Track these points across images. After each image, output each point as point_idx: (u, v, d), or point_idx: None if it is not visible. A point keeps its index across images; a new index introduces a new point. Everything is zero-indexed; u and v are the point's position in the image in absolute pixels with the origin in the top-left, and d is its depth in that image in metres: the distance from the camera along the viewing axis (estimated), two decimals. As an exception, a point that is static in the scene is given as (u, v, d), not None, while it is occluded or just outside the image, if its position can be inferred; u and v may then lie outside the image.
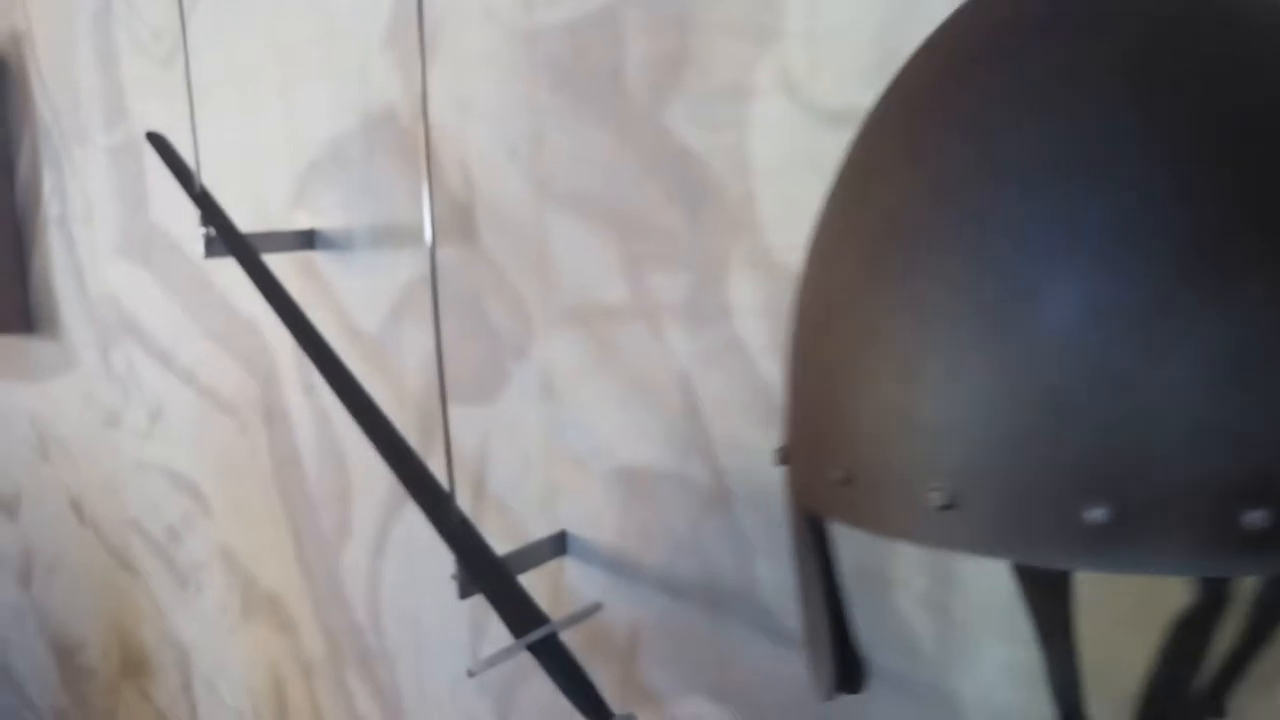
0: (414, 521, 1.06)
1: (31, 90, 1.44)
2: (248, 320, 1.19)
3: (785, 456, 0.43)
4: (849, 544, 0.58)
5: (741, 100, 0.77)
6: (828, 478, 0.36)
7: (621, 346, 0.87)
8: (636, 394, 0.87)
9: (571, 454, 0.92)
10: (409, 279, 1.01)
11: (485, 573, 0.81)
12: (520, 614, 0.80)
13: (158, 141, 1.00)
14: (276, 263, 1.12)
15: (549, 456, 0.94)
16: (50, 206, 1.46)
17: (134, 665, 1.52)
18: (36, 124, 1.45)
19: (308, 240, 1.09)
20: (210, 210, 0.97)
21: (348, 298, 1.07)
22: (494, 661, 0.75)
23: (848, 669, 0.44)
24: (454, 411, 0.99)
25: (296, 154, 1.09)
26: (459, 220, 0.95)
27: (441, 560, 1.04)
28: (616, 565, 0.91)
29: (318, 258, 1.09)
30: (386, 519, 1.09)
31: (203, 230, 0.99)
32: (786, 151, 0.75)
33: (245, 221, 1.13)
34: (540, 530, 0.94)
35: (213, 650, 1.36)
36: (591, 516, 0.91)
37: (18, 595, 1.77)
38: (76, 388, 1.49)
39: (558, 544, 0.93)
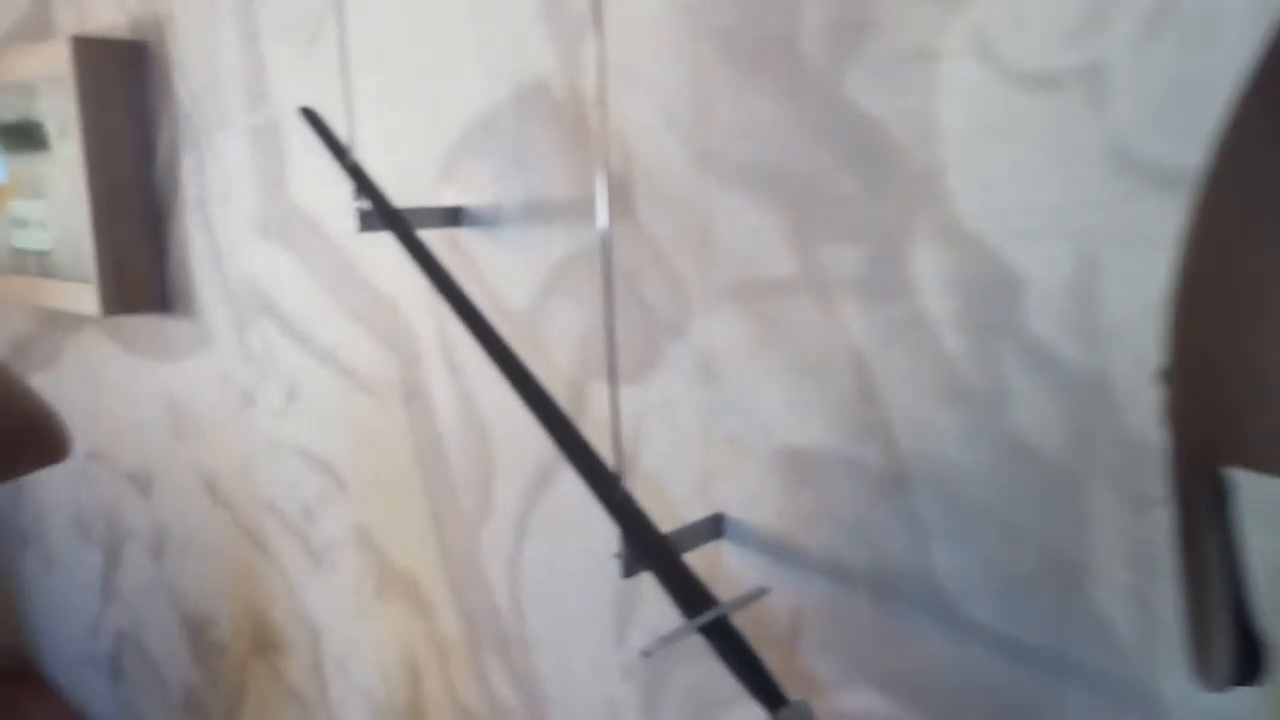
0: (559, 502, 1.05)
1: (172, 74, 1.47)
2: (390, 299, 1.19)
3: (1178, 404, 0.39)
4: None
5: (928, 64, 0.73)
6: (1265, 424, 0.32)
7: (787, 323, 0.84)
8: (802, 373, 0.84)
9: (729, 435, 0.89)
10: (561, 255, 0.99)
11: (651, 552, 0.79)
12: (689, 594, 0.78)
13: (311, 116, 1.00)
14: (425, 237, 1.11)
15: (705, 437, 0.91)
16: (188, 188, 1.49)
17: (265, 643, 1.54)
18: (176, 107, 1.47)
19: (455, 217, 1.08)
20: (364, 183, 0.96)
21: (496, 274, 1.06)
22: (669, 642, 0.73)
23: (1244, 656, 0.40)
24: (607, 390, 0.97)
25: (444, 130, 1.09)
26: (615, 194, 0.93)
27: (587, 541, 1.02)
28: (777, 549, 0.88)
29: (465, 235, 1.08)
30: (530, 499, 1.08)
31: (355, 204, 0.98)
32: (977, 117, 0.72)
33: (392, 198, 1.13)
34: (696, 512, 0.92)
35: (345, 630, 1.38)
36: (750, 499, 0.89)
37: (150, 572, 1.82)
38: (212, 368, 1.52)
39: (714, 526, 0.91)
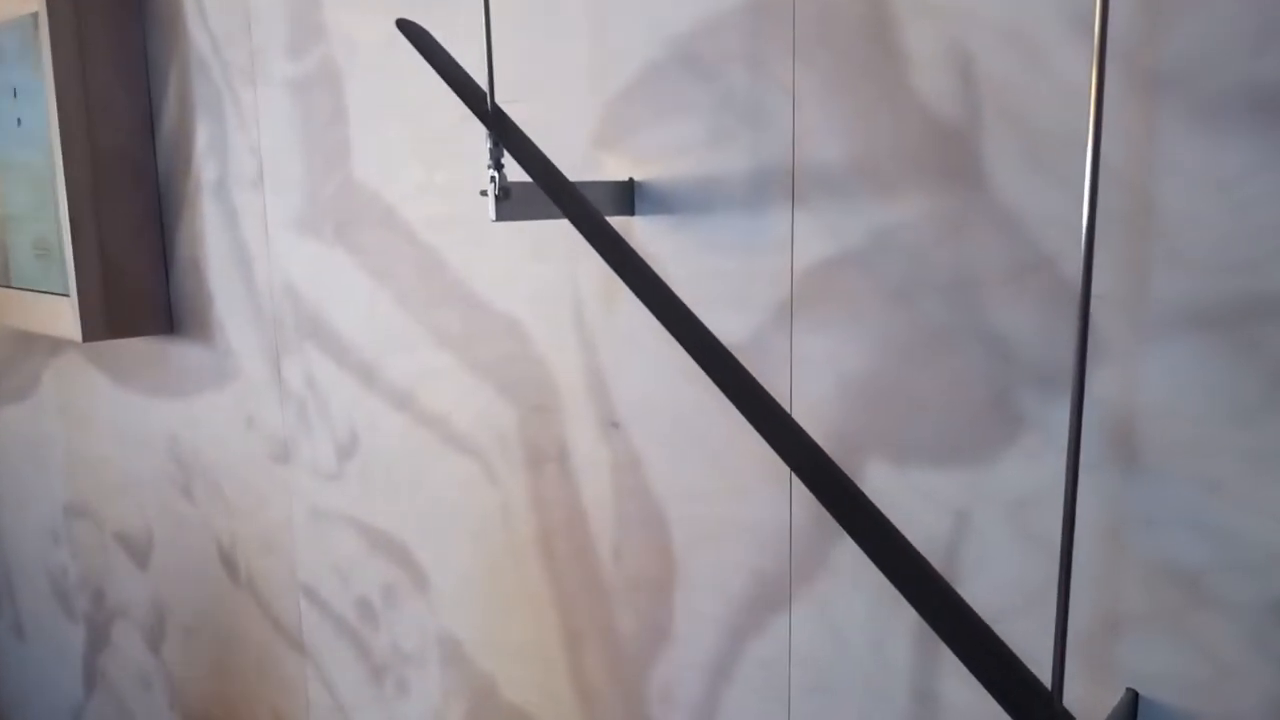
0: (799, 644, 0.67)
1: (183, 10, 1.09)
2: (508, 321, 0.81)
3: None
4: None
5: None
6: None
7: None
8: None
9: (1164, 559, 0.52)
10: (808, 258, 0.62)
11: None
12: None
13: (417, 35, 0.63)
14: (574, 231, 0.74)
15: (1109, 554, 0.54)
16: (205, 167, 1.10)
17: (301, 771, 1.16)
18: (188, 57, 1.09)
19: (625, 198, 0.71)
20: (515, 141, 0.59)
21: (692, 284, 0.69)
22: None
23: None
24: (908, 478, 0.60)
25: (605, 69, 0.72)
26: (944, 150, 0.56)
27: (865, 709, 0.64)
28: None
29: (639, 225, 0.71)
30: (738, 631, 0.71)
31: (491, 175, 0.61)
32: None
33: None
34: (1075, 686, 0.55)
35: (420, 772, 1.00)
36: (1197, 677, 0.52)
37: (146, 659, 1.44)
38: (234, 407, 1.14)
39: (1127, 712, 0.54)
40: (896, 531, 0.44)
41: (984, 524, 0.58)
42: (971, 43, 0.54)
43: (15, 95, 1.22)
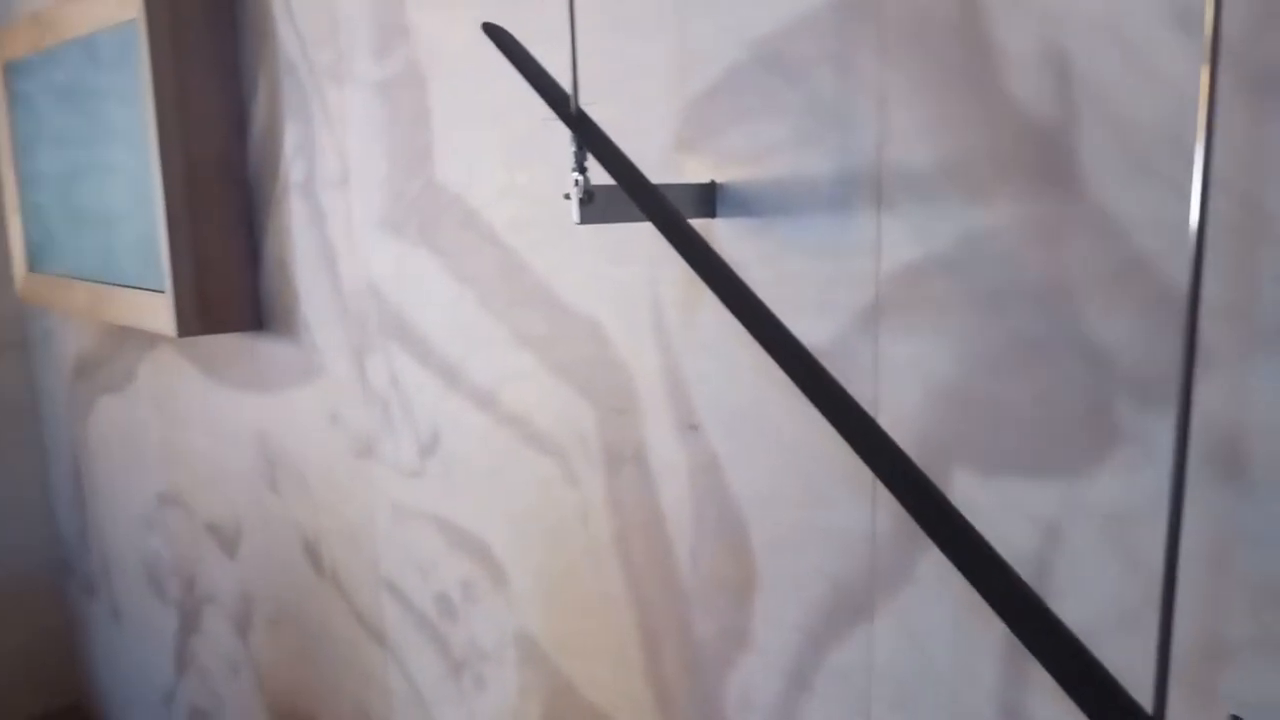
0: (879, 654, 0.66)
1: (272, 14, 1.11)
2: (588, 323, 0.81)
3: None
4: None
5: None
6: None
7: None
8: None
9: (1271, 577, 0.50)
10: (895, 262, 0.61)
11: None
12: None
13: (501, 38, 0.63)
14: (655, 234, 0.74)
15: (1211, 571, 0.52)
16: (293, 168, 1.13)
17: (381, 760, 1.18)
18: (277, 60, 1.12)
19: (706, 200, 0.70)
20: (597, 143, 0.59)
21: (773, 287, 0.68)
22: None
23: None
24: (996, 489, 0.58)
25: (690, 72, 0.71)
26: (1039, 152, 0.54)
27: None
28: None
29: (719, 228, 0.70)
30: (818, 638, 0.70)
31: (575, 178, 0.61)
32: None
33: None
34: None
35: (497, 767, 1.01)
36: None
37: (233, 645, 1.48)
38: (319, 404, 1.17)
39: (1228, 741, 0.51)
40: (986, 543, 0.43)
41: (1077, 538, 0.56)
42: (1068, 41, 0.52)
43: (115, 99, 1.26)
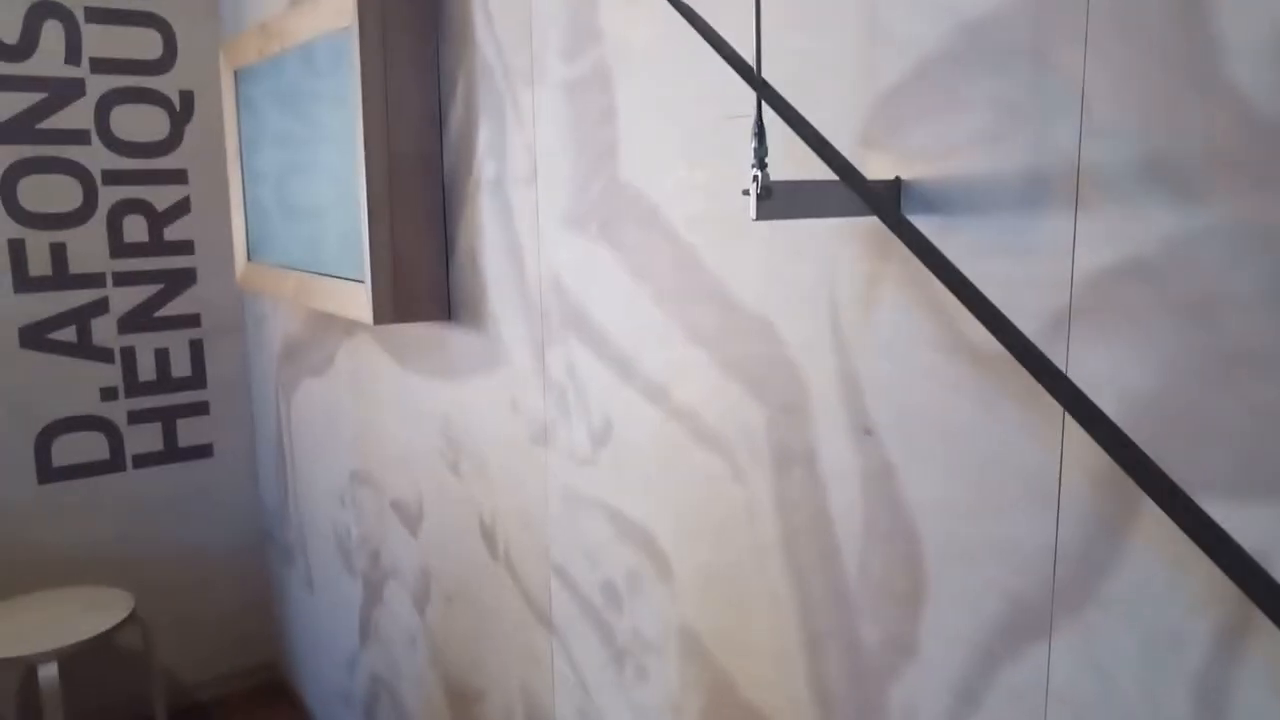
0: (1053, 667, 0.63)
1: (473, 21, 1.17)
2: (760, 322, 0.81)
3: None
4: None
5: None
6: None
7: None
8: None
9: None
10: (1091, 265, 0.58)
11: None
12: None
13: (684, 8, 0.64)
14: (832, 233, 0.74)
15: None
16: (485, 166, 1.18)
17: (544, 741, 1.22)
18: (475, 63, 1.17)
19: (891, 193, 0.69)
20: (779, 105, 0.59)
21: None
22: None
23: None
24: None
25: (877, 66, 0.70)
26: (1262, 149, 0.51)
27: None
28: None
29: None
30: (995, 651, 0.67)
31: (754, 174, 0.61)
32: None
33: (789, 169, 0.75)
34: None
35: (655, 758, 1.02)
36: None
37: (412, 618, 1.56)
38: (500, 392, 1.21)
39: None
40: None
41: (1288, 568, 0.52)
42: (1300, 28, 0.48)
43: (327, 102, 1.35)
